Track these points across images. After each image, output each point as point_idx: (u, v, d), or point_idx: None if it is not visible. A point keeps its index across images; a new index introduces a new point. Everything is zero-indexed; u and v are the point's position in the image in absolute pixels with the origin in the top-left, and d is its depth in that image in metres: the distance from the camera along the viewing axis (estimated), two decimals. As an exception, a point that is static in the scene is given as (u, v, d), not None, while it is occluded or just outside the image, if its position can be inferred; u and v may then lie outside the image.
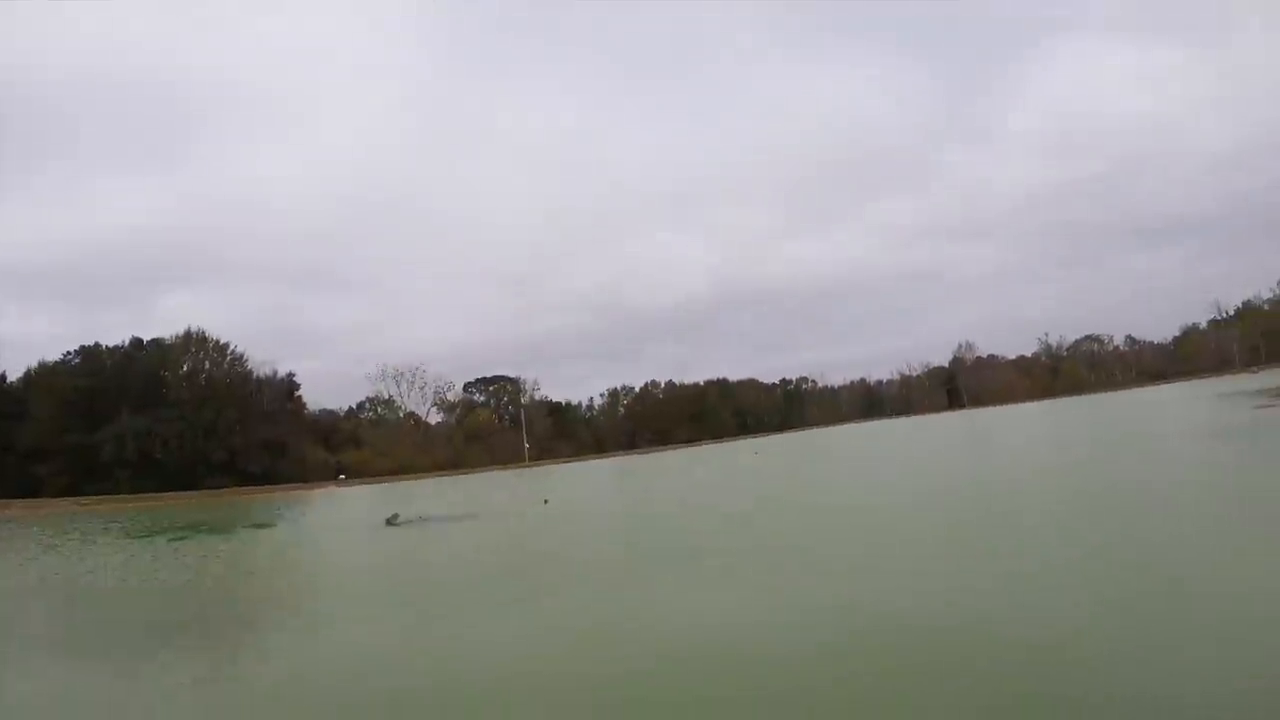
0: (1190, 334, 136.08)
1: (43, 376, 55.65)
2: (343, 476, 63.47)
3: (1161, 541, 16.19)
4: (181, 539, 28.34)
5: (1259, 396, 52.11)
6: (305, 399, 74.04)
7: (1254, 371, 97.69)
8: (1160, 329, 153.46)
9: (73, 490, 47.13)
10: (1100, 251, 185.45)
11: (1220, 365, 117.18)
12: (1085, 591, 13.04)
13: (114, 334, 62.67)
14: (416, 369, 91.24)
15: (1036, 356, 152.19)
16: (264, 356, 69.78)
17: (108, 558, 23.88)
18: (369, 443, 75.92)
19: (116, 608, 16.51)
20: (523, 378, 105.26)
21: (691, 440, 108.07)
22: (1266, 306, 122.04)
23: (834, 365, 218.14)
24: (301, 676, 11.22)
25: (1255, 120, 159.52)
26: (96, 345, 59.73)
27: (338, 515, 39.62)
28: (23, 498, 46.63)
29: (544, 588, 17.74)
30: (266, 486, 54.68)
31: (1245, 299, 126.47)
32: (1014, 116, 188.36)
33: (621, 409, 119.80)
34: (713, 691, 9.52)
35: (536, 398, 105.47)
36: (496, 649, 12.30)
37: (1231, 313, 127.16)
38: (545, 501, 38.29)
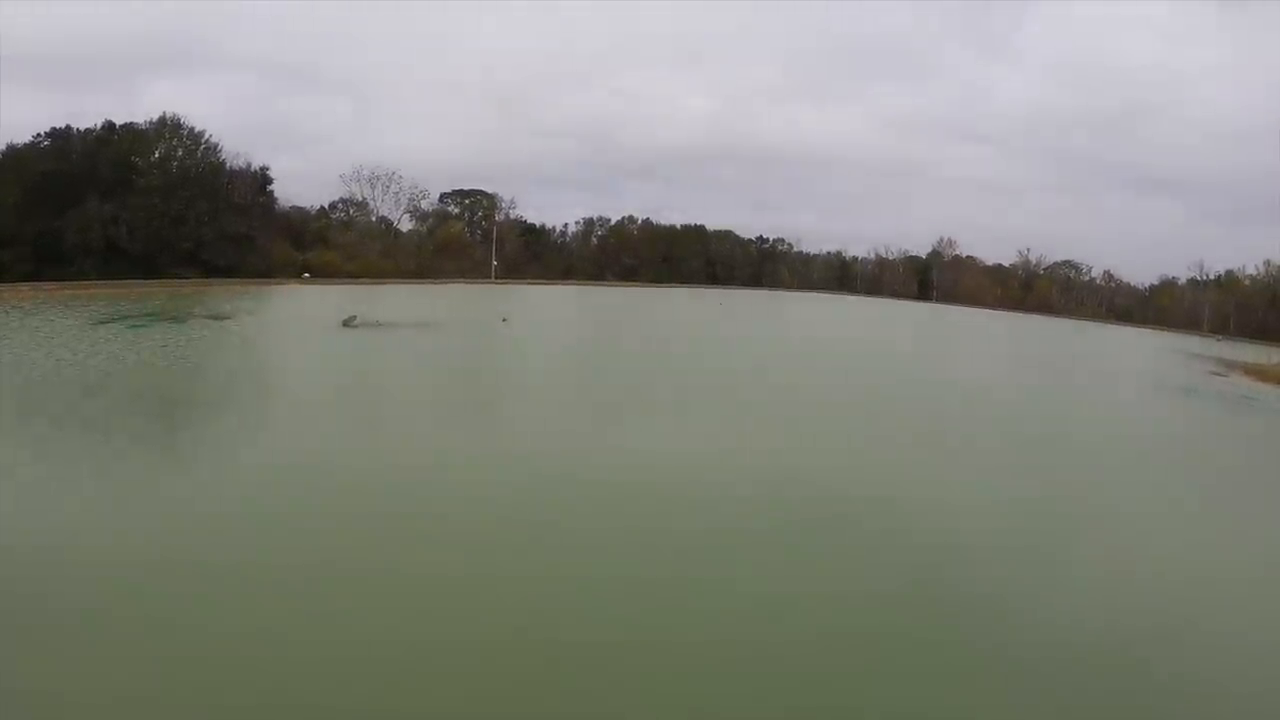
0: (1167, 286, 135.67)
1: (9, 159, 54.04)
2: (307, 275, 63.86)
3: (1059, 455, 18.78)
4: (140, 327, 28.53)
5: (1213, 363, 55.39)
6: (277, 195, 73.08)
7: (1218, 339, 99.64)
8: (1139, 274, 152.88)
9: (36, 276, 47.18)
10: (1093, 185, 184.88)
11: (1189, 324, 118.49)
12: (956, 470, 15.72)
13: (94, 121, 59.97)
14: (392, 173, 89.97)
15: (1014, 268, 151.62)
16: (242, 149, 68.69)
17: (63, 342, 23.81)
18: (337, 244, 75.53)
19: (62, 393, 16.54)
20: (499, 194, 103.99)
21: (659, 281, 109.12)
22: (1247, 281, 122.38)
23: (812, 234, 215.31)
24: (230, 476, 11.55)
25: (1267, 98, 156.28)
26: (68, 129, 57.63)
27: (297, 312, 40.29)
28: (-17, 283, 46.78)
29: (481, 404, 18.73)
30: (231, 279, 55.00)
31: (1229, 268, 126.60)
32: (1028, 34, 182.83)
33: (594, 240, 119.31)
34: (613, 516, 10.88)
35: (511, 216, 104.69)
36: (423, 460, 12.82)
37: (1212, 277, 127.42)
38: (504, 319, 40.34)
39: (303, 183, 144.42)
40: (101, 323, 29.24)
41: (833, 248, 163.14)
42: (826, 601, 8.66)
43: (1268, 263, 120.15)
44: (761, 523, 11.10)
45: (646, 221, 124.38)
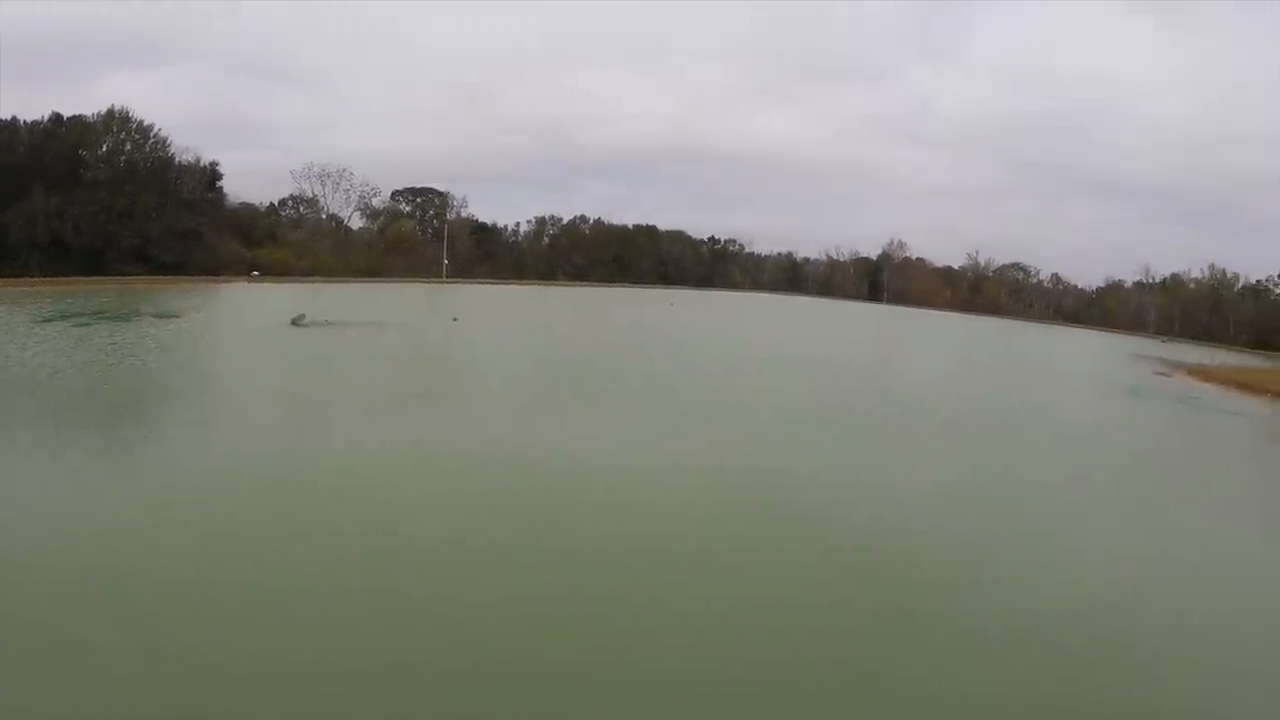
0: (1114, 289, 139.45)
1: (-46, 152, 53.11)
2: (256, 273, 63.39)
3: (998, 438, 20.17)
4: (86, 325, 28.10)
5: (1159, 364, 56.76)
6: (226, 191, 72.38)
7: (1163, 340, 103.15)
8: (1086, 276, 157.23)
9: (-22, 271, 46.54)
10: (1042, 190, 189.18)
11: (1134, 325, 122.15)
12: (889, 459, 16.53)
13: (41, 114, 58.76)
14: (343, 170, 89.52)
15: (963, 270, 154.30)
16: (198, 143, 68.04)
17: (3, 341, 23.44)
18: (286, 241, 75.13)
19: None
20: (451, 192, 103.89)
21: (611, 281, 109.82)
22: (1192, 285, 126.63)
23: (764, 235, 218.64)
24: (177, 474, 11.44)
25: (1209, 106, 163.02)
26: (14, 120, 56.72)
27: (245, 311, 39.87)
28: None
29: (424, 404, 18.46)
30: (178, 277, 54.41)
31: (1174, 272, 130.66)
32: (978, 40, 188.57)
33: (546, 239, 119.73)
34: (555, 507, 11.19)
35: (463, 214, 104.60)
36: (362, 461, 12.83)
37: (1157, 280, 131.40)
38: (455, 319, 40.65)
39: (255, 179, 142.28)
40: (46, 320, 28.81)
41: (784, 249, 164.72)
42: (784, 593, 8.84)
43: (1212, 266, 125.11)
44: (717, 524, 11.17)
45: (598, 221, 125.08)
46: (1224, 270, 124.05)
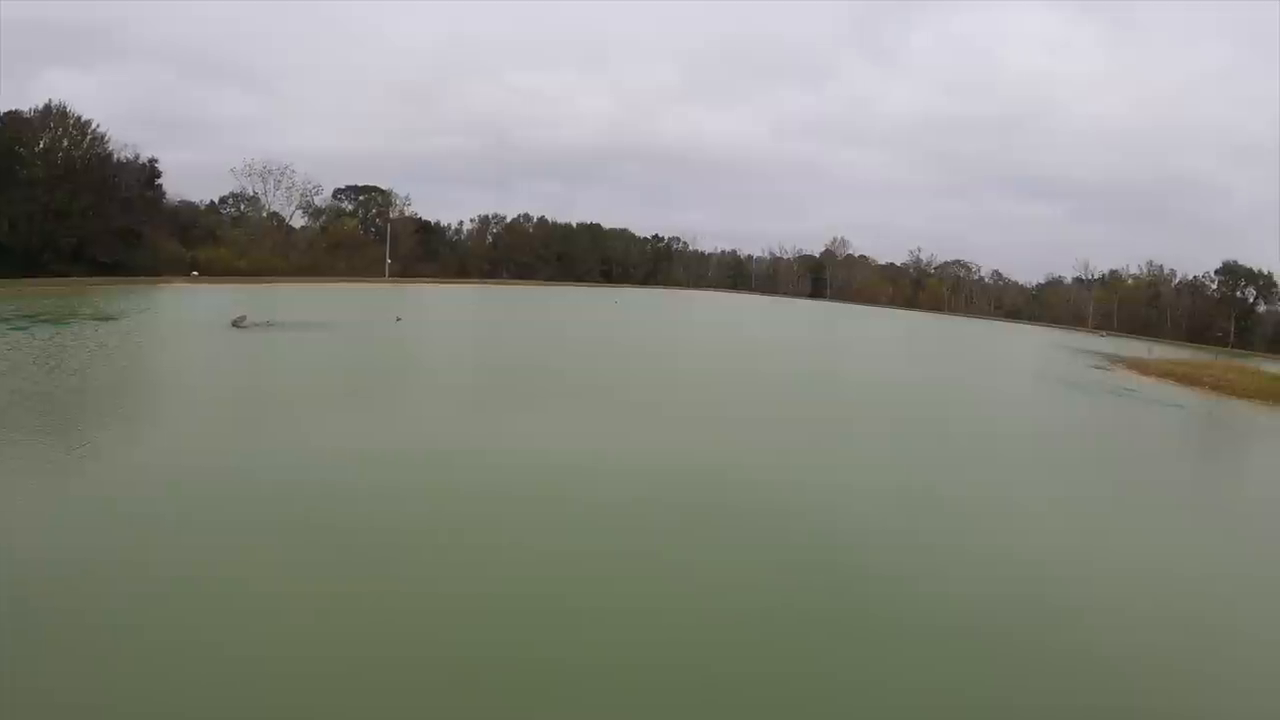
0: (1054, 285, 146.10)
1: (-114, 147, 51.88)
2: (195, 273, 63.10)
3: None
4: (20, 329, 26.94)
5: (1097, 357, 58.51)
6: (166, 189, 71.66)
7: (1102, 334, 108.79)
8: (1026, 273, 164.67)
9: (-90, 271, 45.74)
10: (982, 188, 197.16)
11: (1074, 320, 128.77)
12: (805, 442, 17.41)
13: None
14: (285, 168, 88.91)
15: (905, 267, 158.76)
16: (137, 141, 67.04)
17: None
18: (227, 240, 74.81)
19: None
20: (394, 191, 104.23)
21: (554, 279, 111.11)
22: (1130, 281, 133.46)
23: (707, 233, 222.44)
24: (115, 482, 11.20)
25: (1143, 107, 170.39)
26: None
27: (185, 313, 38.63)
28: None
29: (367, 405, 18.36)
30: (117, 277, 53.97)
31: (1113, 268, 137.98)
32: (918, 42, 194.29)
33: (490, 238, 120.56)
34: (510, 507, 11.18)
35: (406, 213, 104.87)
36: (306, 461, 12.83)
37: (1096, 277, 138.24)
38: (398, 319, 40.54)
39: (196, 178, 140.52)
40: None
41: (728, 246, 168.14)
42: (723, 586, 8.98)
43: (1149, 263, 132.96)
44: (656, 517, 11.30)
45: (542, 220, 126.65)
46: (1161, 267, 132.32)
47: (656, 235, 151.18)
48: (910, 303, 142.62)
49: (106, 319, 32.02)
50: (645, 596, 8.60)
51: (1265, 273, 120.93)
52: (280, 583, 8.08)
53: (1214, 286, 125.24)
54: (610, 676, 6.92)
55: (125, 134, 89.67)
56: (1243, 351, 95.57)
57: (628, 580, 9.04)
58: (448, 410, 18.64)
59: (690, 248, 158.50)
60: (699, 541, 10.44)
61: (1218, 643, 8.93)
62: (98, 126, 61.51)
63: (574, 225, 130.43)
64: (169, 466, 11.98)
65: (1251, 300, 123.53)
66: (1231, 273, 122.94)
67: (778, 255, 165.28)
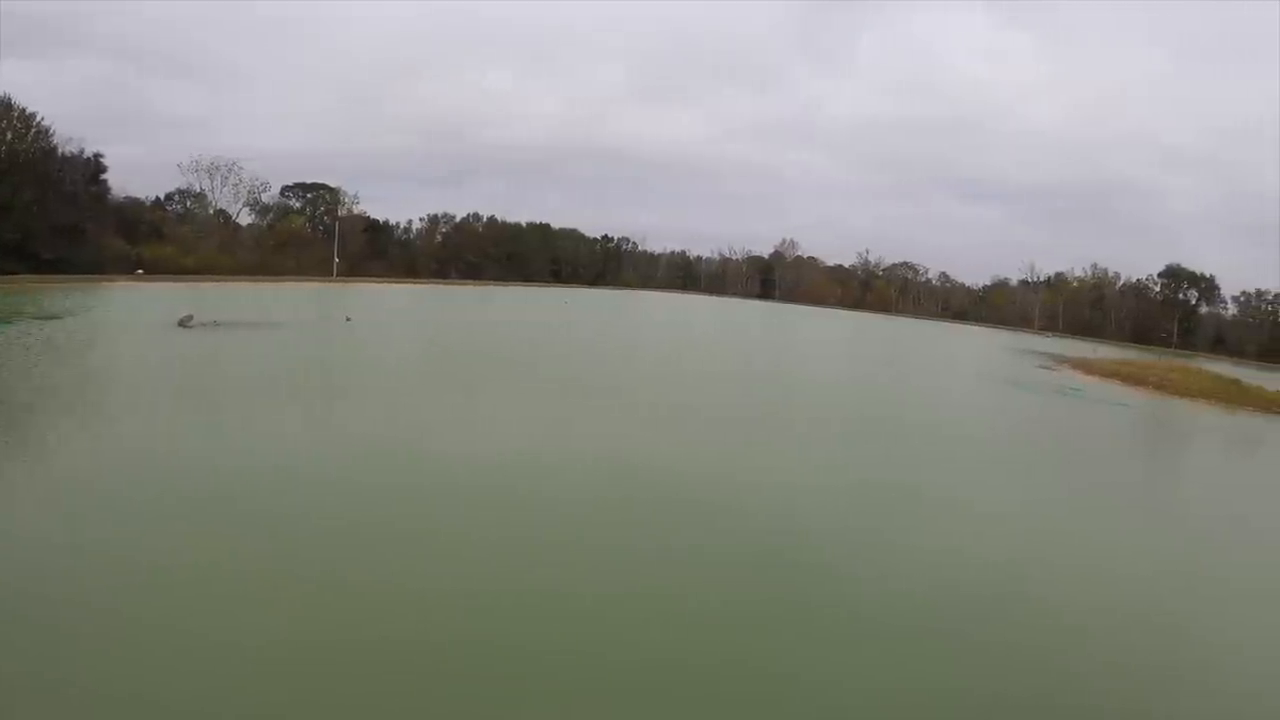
0: (1000, 286, 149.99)
1: None
2: (141, 271, 62.56)
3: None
4: None
5: (1043, 358, 59.91)
6: (111, 184, 70.71)
7: (1047, 335, 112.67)
8: (973, 275, 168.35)
9: None
10: (927, 190, 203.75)
11: (1020, 321, 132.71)
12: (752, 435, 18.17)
13: None
14: (232, 164, 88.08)
15: (853, 268, 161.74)
16: (85, 135, 65.69)
17: None
18: (173, 238, 74.11)
19: None
20: (343, 188, 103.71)
21: (503, 279, 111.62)
22: (1075, 283, 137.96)
23: (657, 233, 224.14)
24: (67, 475, 11.26)
25: (1083, 112, 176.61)
26: None
27: (130, 312, 38.00)
28: None
29: (318, 405, 18.74)
30: (60, 275, 53.34)
31: (1058, 270, 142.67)
32: (862, 46, 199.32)
33: (439, 237, 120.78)
34: (454, 501, 11.41)
35: (355, 211, 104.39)
36: (258, 458, 12.88)
37: (1041, 279, 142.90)
38: (347, 319, 40.49)
39: (142, 174, 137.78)
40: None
41: (677, 247, 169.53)
42: (673, 577, 9.23)
43: (1094, 266, 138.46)
44: (608, 513, 11.51)
45: (492, 219, 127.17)
46: (1106, 269, 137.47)
47: (606, 235, 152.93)
48: (858, 304, 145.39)
49: (50, 318, 31.51)
50: (604, 591, 8.73)
51: (1208, 275, 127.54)
52: (222, 579, 8.16)
53: (1157, 289, 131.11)
54: (569, 672, 6.99)
55: (70, 128, 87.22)
56: (1186, 352, 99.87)
57: (585, 576, 9.14)
58: (396, 410, 18.61)
59: (640, 248, 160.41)
60: (651, 538, 10.58)
61: (1164, 637, 9.22)
62: (42, 120, 60.55)
63: (523, 225, 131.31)
64: (108, 465, 11.98)
65: (1194, 302, 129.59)
66: (1174, 275, 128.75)
67: (727, 256, 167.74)
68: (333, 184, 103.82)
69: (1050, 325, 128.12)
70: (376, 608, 7.80)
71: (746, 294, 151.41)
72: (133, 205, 77.06)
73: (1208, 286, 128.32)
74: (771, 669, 7.27)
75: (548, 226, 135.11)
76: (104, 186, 69.85)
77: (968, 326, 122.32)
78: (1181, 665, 8.62)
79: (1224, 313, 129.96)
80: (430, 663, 6.95)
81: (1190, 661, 8.76)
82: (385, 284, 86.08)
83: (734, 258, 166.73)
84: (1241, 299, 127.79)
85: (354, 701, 6.28)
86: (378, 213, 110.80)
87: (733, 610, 8.54)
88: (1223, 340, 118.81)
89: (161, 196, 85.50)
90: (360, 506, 10.80)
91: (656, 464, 14.96)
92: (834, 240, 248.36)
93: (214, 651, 6.80)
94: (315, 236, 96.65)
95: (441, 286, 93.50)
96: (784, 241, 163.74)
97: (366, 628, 7.39)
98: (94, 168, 67.20)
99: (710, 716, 6.58)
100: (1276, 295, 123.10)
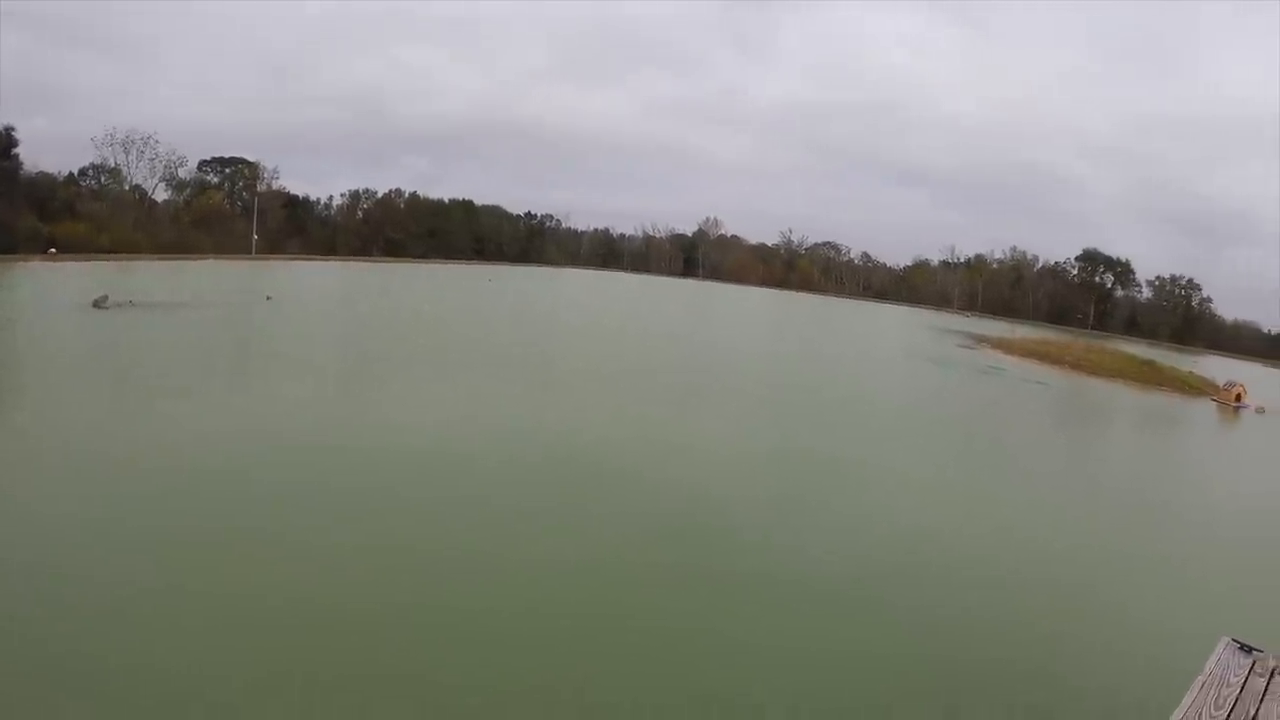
0: (921, 267, 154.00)
1: None
2: (54, 250, 61.79)
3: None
4: None
5: (963, 337, 61.90)
6: (23, 159, 69.07)
7: (966, 315, 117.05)
8: (894, 256, 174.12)
9: None
10: (850, 173, 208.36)
11: (940, 301, 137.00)
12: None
13: None
14: (147, 138, 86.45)
15: (777, 248, 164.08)
16: None
17: None
18: (87, 215, 72.88)
19: None
20: (262, 163, 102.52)
21: (425, 257, 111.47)
22: (994, 265, 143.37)
23: (580, 211, 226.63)
24: None
25: (1001, 103, 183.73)
26: None
27: (42, 293, 37.29)
28: None
29: (237, 383, 18.61)
30: None
31: (978, 253, 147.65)
32: (784, 31, 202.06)
33: (360, 213, 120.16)
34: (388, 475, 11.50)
35: (274, 186, 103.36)
36: (180, 440, 12.72)
37: (961, 260, 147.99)
38: (268, 298, 40.31)
39: (55, 149, 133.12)
40: None
41: (601, 224, 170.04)
42: (599, 552, 9.29)
43: (1013, 249, 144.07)
44: (532, 487, 11.51)
45: (414, 195, 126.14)
46: (1025, 252, 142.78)
47: (529, 213, 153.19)
48: (782, 283, 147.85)
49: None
50: (524, 556, 8.88)
51: (1123, 260, 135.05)
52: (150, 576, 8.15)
53: (1074, 272, 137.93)
54: (499, 640, 7.09)
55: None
56: (1101, 333, 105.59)
57: (513, 543, 9.27)
58: (314, 390, 18.56)
59: (563, 225, 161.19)
60: (576, 506, 10.82)
61: (1072, 600, 9.54)
62: (-53, 94, 59.51)
63: (446, 201, 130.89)
64: (19, 452, 11.81)
65: (1110, 285, 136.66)
66: (1091, 259, 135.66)
67: (650, 234, 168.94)
68: (251, 158, 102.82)
69: (969, 305, 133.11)
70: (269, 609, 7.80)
71: (670, 272, 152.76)
72: (45, 181, 75.31)
73: (1123, 270, 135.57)
74: (689, 629, 7.55)
75: (470, 203, 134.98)
76: (15, 161, 68.60)
77: (889, 306, 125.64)
78: (1081, 622, 8.97)
79: (1138, 296, 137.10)
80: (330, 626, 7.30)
81: (1088, 617, 9.18)
82: (306, 261, 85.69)
83: (657, 235, 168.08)
84: (1155, 283, 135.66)
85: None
86: (298, 189, 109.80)
87: (651, 575, 8.74)
88: (1137, 322, 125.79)
89: (75, 172, 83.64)
90: (256, 499, 10.56)
91: (581, 435, 15.35)
92: (758, 220, 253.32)
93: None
94: (234, 213, 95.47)
95: (363, 264, 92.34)
96: (708, 220, 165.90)
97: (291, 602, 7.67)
98: (4, 141, 66.01)
99: (624, 672, 6.86)
100: (1189, 280, 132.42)
